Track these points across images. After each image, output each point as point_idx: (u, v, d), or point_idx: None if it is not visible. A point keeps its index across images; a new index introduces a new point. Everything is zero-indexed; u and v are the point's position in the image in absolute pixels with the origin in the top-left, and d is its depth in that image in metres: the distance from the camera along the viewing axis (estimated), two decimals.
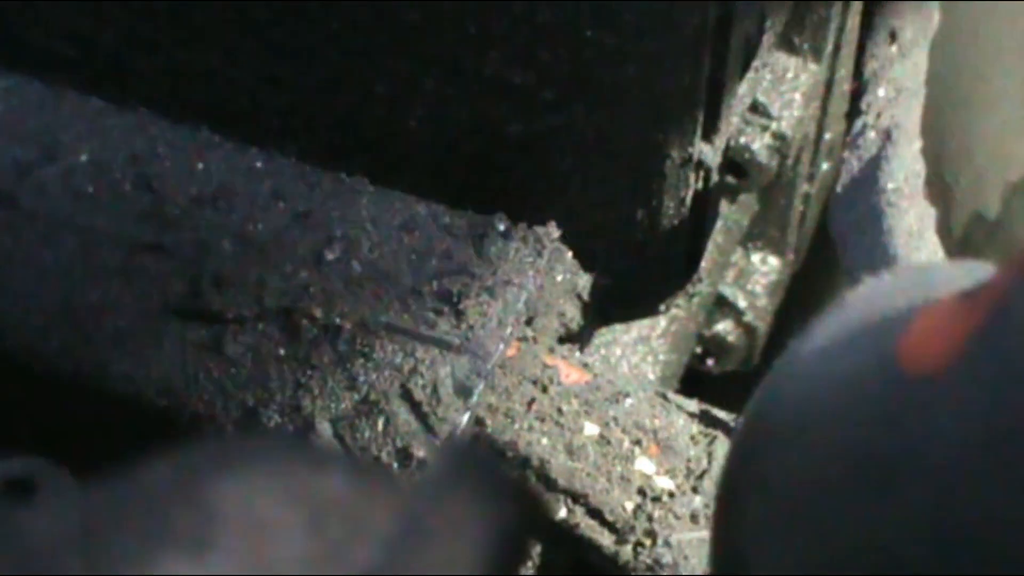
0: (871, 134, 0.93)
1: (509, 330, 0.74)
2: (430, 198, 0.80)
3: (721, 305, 1.17)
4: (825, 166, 1.19)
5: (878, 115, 0.94)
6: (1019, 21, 1.27)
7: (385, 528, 0.32)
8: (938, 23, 1.03)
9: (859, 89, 1.01)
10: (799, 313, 1.34)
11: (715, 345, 1.18)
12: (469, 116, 0.84)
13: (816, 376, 0.39)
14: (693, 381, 1.13)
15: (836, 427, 0.37)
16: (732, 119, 0.90)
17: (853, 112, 0.98)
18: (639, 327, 0.99)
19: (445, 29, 0.80)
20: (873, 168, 0.88)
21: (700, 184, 0.86)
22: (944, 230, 1.31)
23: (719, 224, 1.02)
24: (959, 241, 1.32)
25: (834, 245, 0.92)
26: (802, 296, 1.29)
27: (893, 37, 1.00)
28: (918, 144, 0.91)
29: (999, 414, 0.31)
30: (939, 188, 1.29)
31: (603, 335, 0.97)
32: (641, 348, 0.99)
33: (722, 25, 0.77)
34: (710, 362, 1.18)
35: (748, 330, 1.18)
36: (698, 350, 1.17)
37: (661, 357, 0.99)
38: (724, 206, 1.02)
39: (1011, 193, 1.33)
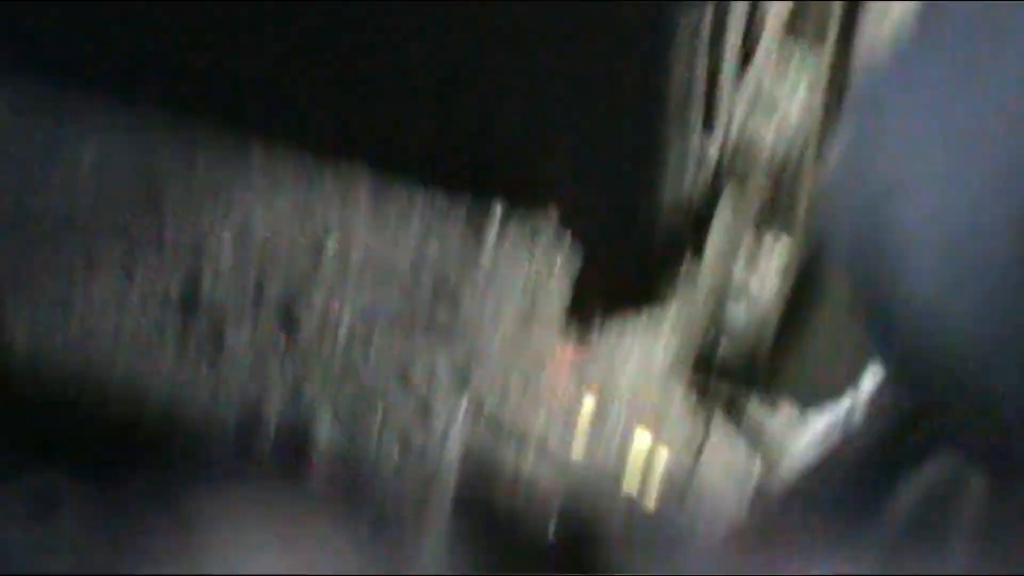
0: None
1: (506, 316, 0.75)
2: (431, 193, 0.81)
3: (732, 289, 1.17)
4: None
5: None
6: None
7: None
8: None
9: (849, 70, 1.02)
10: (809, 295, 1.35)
11: (726, 329, 1.18)
12: (470, 115, 0.85)
13: None
14: (704, 365, 1.14)
15: None
16: (737, 110, 0.91)
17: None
18: (648, 313, 1.00)
19: (446, 33, 0.81)
20: None
21: (702, 174, 0.87)
22: None
23: (729, 209, 1.02)
24: None
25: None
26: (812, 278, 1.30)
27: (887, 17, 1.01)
28: None
29: None
30: None
31: (613, 323, 0.98)
32: (651, 334, 1.00)
33: (718, 20, 0.77)
34: (722, 346, 1.19)
35: (759, 313, 1.18)
36: (710, 334, 1.17)
37: (672, 342, 1.01)
38: (735, 192, 1.03)
39: None
